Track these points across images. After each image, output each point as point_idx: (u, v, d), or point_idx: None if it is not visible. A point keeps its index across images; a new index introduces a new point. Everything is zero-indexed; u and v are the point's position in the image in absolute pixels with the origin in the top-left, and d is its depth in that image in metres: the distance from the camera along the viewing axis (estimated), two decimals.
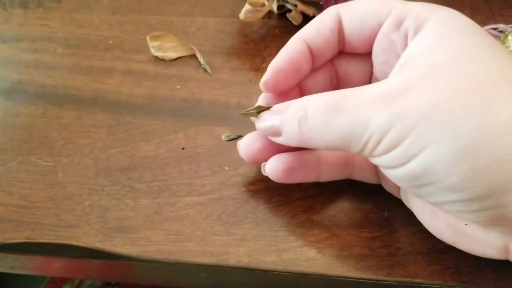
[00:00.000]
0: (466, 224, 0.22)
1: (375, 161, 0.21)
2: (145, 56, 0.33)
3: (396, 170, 0.20)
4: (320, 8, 0.33)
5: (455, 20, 0.21)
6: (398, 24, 0.22)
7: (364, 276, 0.24)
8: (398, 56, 0.23)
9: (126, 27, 0.35)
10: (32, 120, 0.30)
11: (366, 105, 0.20)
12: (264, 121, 0.24)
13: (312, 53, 0.24)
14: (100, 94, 0.32)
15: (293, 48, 0.24)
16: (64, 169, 0.28)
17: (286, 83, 0.24)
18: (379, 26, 0.23)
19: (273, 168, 0.25)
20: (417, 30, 0.21)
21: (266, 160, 0.26)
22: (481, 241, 0.21)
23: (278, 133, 0.23)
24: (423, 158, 0.19)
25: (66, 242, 0.25)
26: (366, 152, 0.21)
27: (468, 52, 0.20)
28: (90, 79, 0.32)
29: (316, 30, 0.24)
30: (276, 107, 0.24)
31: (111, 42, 0.34)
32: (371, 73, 0.26)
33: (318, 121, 0.21)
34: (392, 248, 0.25)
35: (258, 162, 0.26)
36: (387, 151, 0.20)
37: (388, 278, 0.24)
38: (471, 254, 0.24)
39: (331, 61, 0.26)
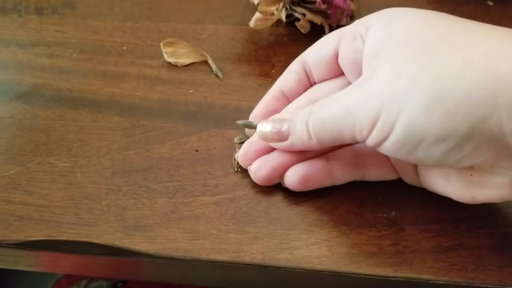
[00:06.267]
0: (471, 175, 0.23)
1: (369, 142, 0.23)
2: (158, 61, 0.34)
3: (387, 144, 0.22)
4: (327, 17, 0.34)
5: (397, 10, 0.24)
6: (354, 35, 0.25)
7: (373, 272, 0.25)
8: None
9: (139, 34, 0.36)
10: (50, 123, 0.31)
11: (342, 96, 0.24)
12: (269, 127, 0.26)
13: (285, 95, 0.29)
14: (115, 98, 0.33)
15: (268, 97, 0.29)
16: (81, 170, 0.29)
17: None
18: (334, 48, 0.27)
19: (289, 179, 0.27)
20: (367, 29, 0.24)
21: (275, 182, 0.28)
22: (491, 185, 0.23)
23: (284, 138, 0.26)
24: (402, 120, 0.21)
25: (85, 239, 0.26)
26: (357, 135, 0.23)
27: (413, 23, 0.23)
28: (105, 84, 0.33)
29: (285, 77, 0.29)
30: (278, 116, 0.27)
31: (124, 48, 0.35)
32: None
33: (316, 120, 0.25)
34: (399, 246, 0.26)
35: (270, 184, 0.28)
36: (371, 128, 0.22)
37: (396, 275, 0.25)
38: (475, 253, 0.26)
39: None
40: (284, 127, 0.26)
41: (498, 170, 0.23)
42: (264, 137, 0.27)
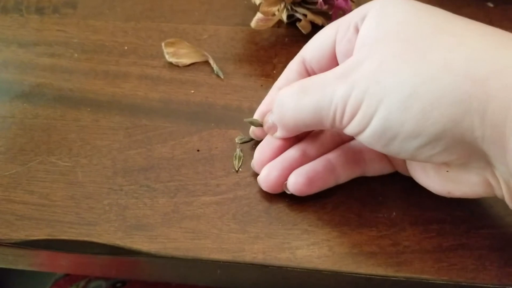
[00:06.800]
0: (447, 171, 0.24)
1: (348, 131, 0.24)
2: (160, 61, 0.35)
3: (365, 134, 0.23)
4: (329, 18, 0.34)
5: (391, 0, 0.24)
6: (348, 26, 0.25)
7: (374, 272, 0.25)
8: None
9: (140, 34, 0.36)
10: (51, 122, 0.31)
11: (328, 83, 0.24)
12: (267, 121, 0.28)
13: None
14: (116, 98, 0.33)
15: (270, 97, 0.29)
16: (83, 169, 0.29)
17: None
18: (334, 41, 0.26)
19: (294, 183, 0.26)
20: (363, 19, 0.25)
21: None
22: (467, 182, 0.24)
23: (275, 128, 0.27)
24: (380, 113, 0.22)
25: (86, 239, 0.26)
26: (337, 123, 0.24)
27: (405, 18, 0.23)
28: (106, 83, 0.33)
29: (286, 77, 0.29)
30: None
31: (126, 48, 0.35)
32: None
33: (291, 104, 0.25)
34: (400, 246, 0.26)
35: (279, 190, 0.27)
36: (351, 117, 0.23)
37: (397, 275, 0.25)
38: (475, 253, 0.26)
39: None
40: (272, 118, 0.27)
41: (472, 169, 0.23)
42: (265, 130, 0.28)
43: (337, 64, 0.27)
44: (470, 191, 0.24)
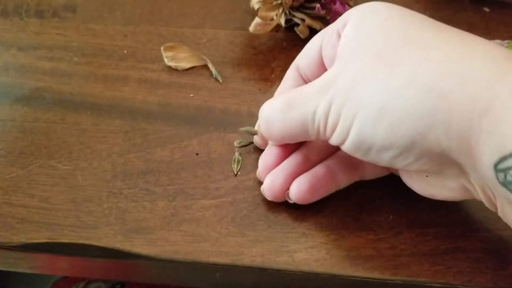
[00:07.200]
0: (426, 176, 0.25)
1: (332, 142, 0.25)
2: (159, 65, 0.35)
3: (346, 145, 0.24)
4: (326, 23, 0.35)
5: (370, 6, 0.25)
6: (331, 32, 0.26)
7: (371, 275, 0.26)
8: None
9: (140, 38, 0.37)
10: (51, 126, 0.32)
11: (311, 97, 0.24)
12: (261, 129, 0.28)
13: None
14: (116, 101, 0.33)
15: None
16: (83, 173, 0.29)
17: None
18: (320, 48, 0.27)
19: (297, 191, 0.27)
20: (344, 26, 0.25)
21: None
22: (445, 187, 0.24)
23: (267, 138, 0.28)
24: (355, 126, 0.23)
25: (86, 242, 0.27)
26: (321, 135, 0.24)
27: (379, 28, 0.24)
28: (106, 87, 0.34)
29: (284, 84, 0.30)
30: None
31: (125, 51, 0.36)
32: None
33: (277, 119, 0.26)
34: (397, 249, 0.27)
35: (282, 198, 0.27)
36: (333, 130, 0.24)
37: (394, 278, 0.26)
38: (471, 256, 0.26)
39: None
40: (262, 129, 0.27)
41: (448, 176, 0.24)
42: (262, 139, 0.29)
43: (326, 70, 0.27)
44: (450, 194, 0.25)
